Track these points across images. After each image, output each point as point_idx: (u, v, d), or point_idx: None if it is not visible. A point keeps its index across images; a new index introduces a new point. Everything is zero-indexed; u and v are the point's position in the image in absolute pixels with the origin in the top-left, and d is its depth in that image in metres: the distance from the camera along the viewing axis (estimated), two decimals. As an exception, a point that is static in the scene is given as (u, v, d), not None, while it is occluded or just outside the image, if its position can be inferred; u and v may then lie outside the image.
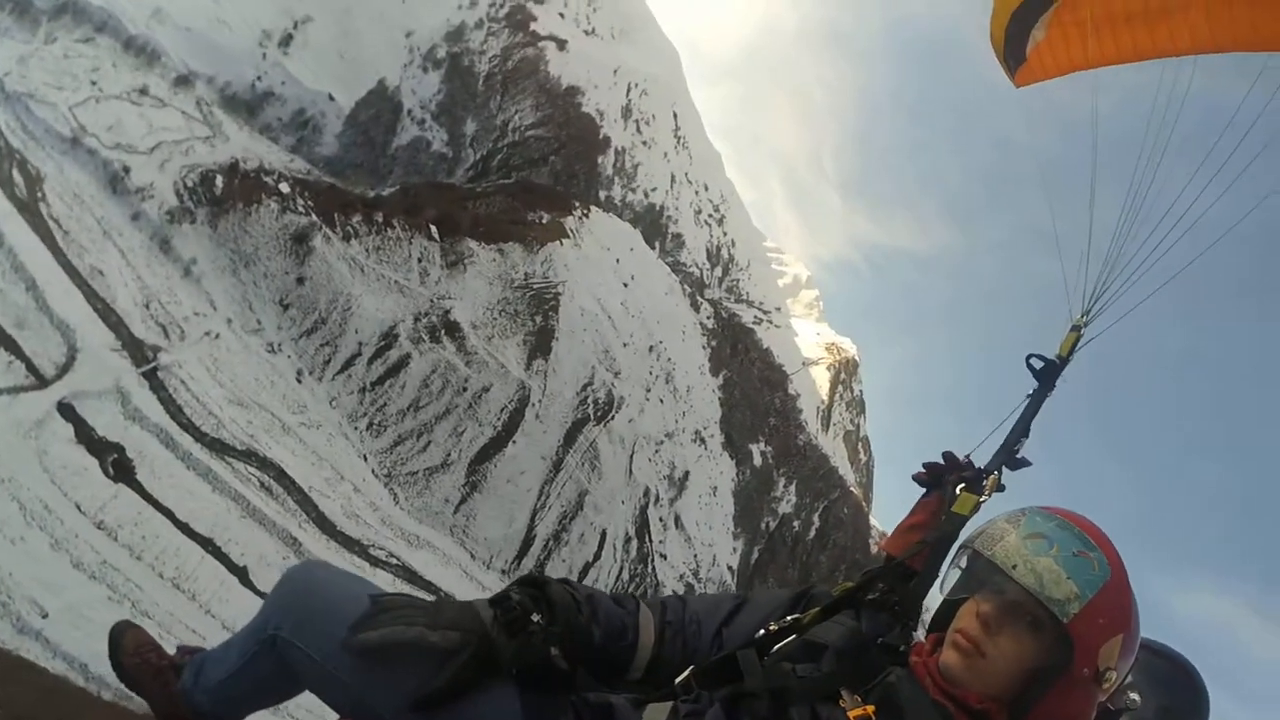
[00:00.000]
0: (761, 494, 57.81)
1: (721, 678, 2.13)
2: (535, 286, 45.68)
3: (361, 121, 48.27)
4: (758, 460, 58.04)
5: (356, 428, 38.37)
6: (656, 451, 50.46)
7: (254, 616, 2.36)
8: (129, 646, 2.73)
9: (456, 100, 53.64)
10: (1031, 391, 3.09)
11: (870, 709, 2.01)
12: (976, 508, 2.61)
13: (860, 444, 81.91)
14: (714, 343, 58.65)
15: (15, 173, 33.38)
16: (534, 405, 43.51)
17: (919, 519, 2.80)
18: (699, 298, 61.18)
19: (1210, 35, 4.32)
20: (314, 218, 38.93)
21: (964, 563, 2.28)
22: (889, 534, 2.95)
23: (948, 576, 2.32)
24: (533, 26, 58.95)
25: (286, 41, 46.45)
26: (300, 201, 39.57)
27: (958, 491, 2.71)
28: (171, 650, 2.77)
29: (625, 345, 49.55)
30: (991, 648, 2.08)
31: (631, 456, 48.39)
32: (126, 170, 36.09)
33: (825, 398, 68.18)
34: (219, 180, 38.23)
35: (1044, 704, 2.06)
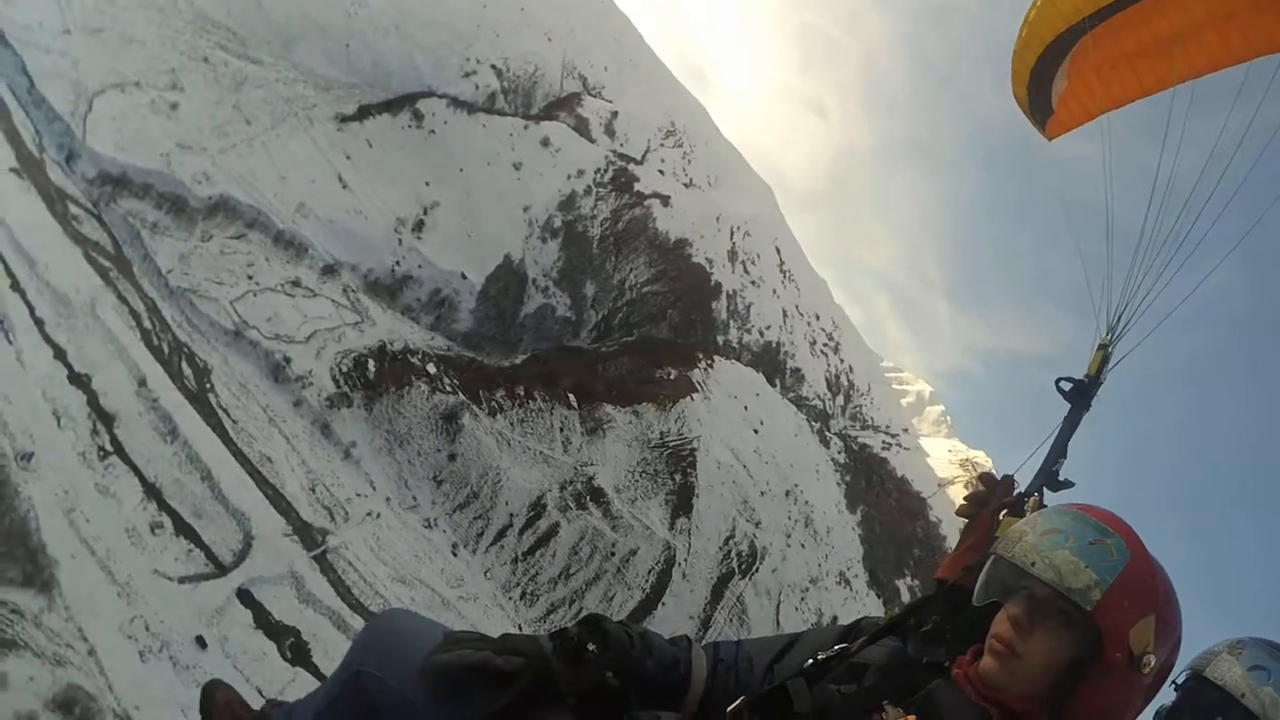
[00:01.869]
0: (914, 637, 55.08)
1: (772, 706, 2.14)
2: (671, 444, 45.72)
3: (492, 296, 50.32)
4: (905, 595, 55.57)
5: (510, 598, 38.20)
6: (803, 599, 48.78)
7: (340, 665, 2.49)
8: (220, 702, 2.88)
9: (575, 265, 55.60)
10: (1066, 414, 3.08)
11: (911, 718, 2.01)
12: None
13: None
14: (848, 477, 57.39)
15: (185, 365, 35.34)
16: (680, 565, 42.83)
17: (971, 541, 2.77)
18: (827, 432, 60.35)
19: (1224, 51, 4.31)
20: (461, 396, 40.12)
21: (992, 571, 2.28)
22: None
23: (980, 588, 2.31)
24: (636, 186, 61.33)
25: (419, 227, 49.23)
26: (447, 380, 40.94)
27: (1000, 517, 2.74)
28: None
29: (763, 494, 48.81)
30: (1024, 648, 2.08)
31: (778, 607, 46.88)
32: (287, 360, 37.99)
33: (966, 522, 65.49)
34: (371, 364, 39.91)
35: (1082, 696, 2.03)
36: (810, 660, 2.33)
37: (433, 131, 53.17)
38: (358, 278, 45.54)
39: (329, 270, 44.27)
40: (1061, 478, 2.99)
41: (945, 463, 69.52)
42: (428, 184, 51.35)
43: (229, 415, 33.86)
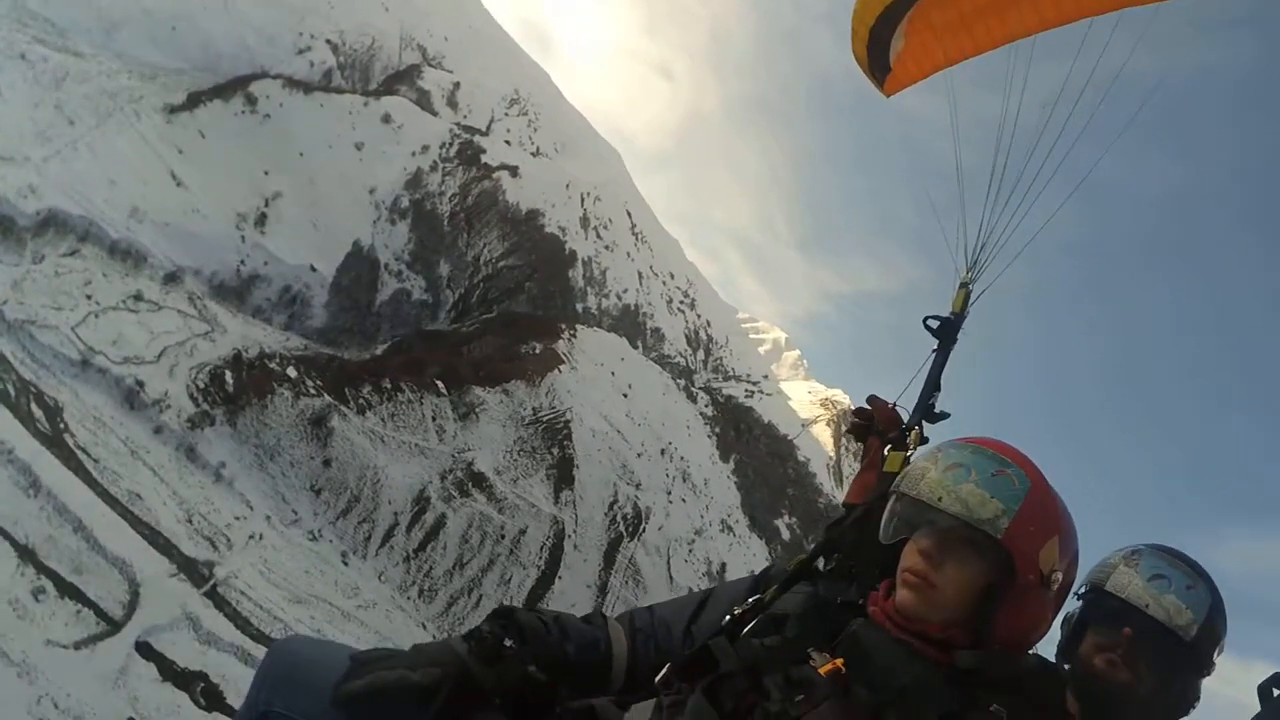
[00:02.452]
0: (792, 570, 58.43)
1: (698, 668, 2.19)
2: (545, 419, 46.21)
3: (345, 286, 48.81)
4: (785, 534, 58.72)
5: (409, 597, 38.18)
6: (690, 551, 50.77)
7: (243, 701, 2.42)
8: None
9: (427, 245, 54.50)
10: (934, 349, 3.25)
11: (839, 661, 2.09)
12: (905, 462, 2.74)
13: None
14: (718, 429, 59.55)
15: (34, 407, 33.04)
16: (570, 536, 43.77)
17: (869, 460, 2.90)
18: (692, 388, 62.20)
19: (1056, 11, 4.52)
20: (327, 397, 39.16)
21: (897, 508, 2.35)
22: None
23: (886, 525, 2.38)
24: (484, 159, 60.36)
25: (261, 221, 46.95)
26: (309, 383, 39.80)
27: (885, 453, 2.85)
28: None
29: (639, 455, 50.14)
30: (939, 577, 2.16)
31: (669, 562, 48.67)
32: (140, 384, 36.03)
33: (832, 453, 69.32)
34: (228, 376, 38.31)
35: (1001, 618, 2.15)
36: (727, 616, 2.37)
37: (268, 115, 50.46)
38: (202, 283, 43.23)
39: (171, 278, 41.84)
40: (938, 410, 3.10)
41: (806, 404, 72.93)
42: (267, 173, 48.89)
43: (89, 455, 32.00)
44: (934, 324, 3.29)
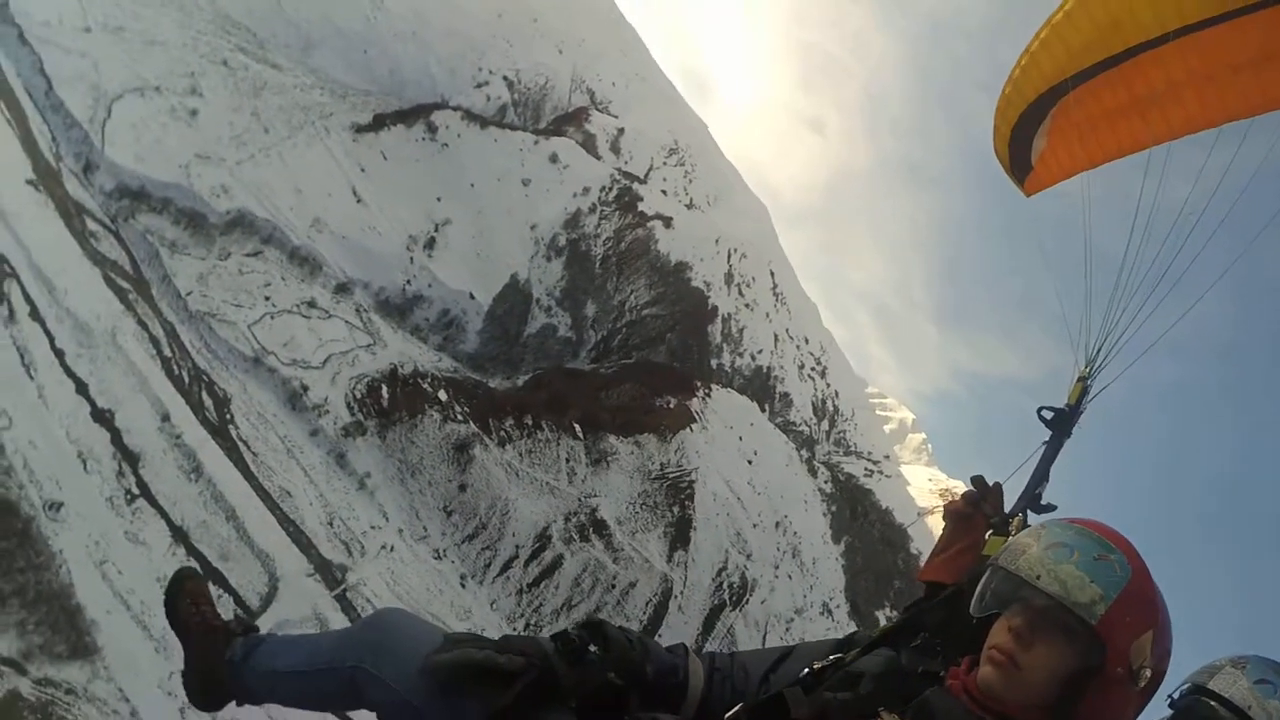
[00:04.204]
0: (889, 666, 56.86)
1: (770, 712, 2.17)
2: (671, 476, 46.61)
3: (499, 316, 50.64)
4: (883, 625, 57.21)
5: (515, 629, 38.85)
6: (788, 629, 50.06)
7: (327, 635, 2.55)
8: (188, 593, 2.85)
9: (577, 285, 56.01)
10: (1047, 440, 3.20)
11: None
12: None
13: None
14: (833, 508, 58.75)
15: (205, 395, 35.39)
16: (676, 597, 43.87)
17: (966, 543, 2.82)
18: (814, 461, 61.60)
19: (1202, 113, 4.39)
20: (473, 426, 40.57)
21: (991, 582, 2.30)
22: (926, 562, 2.98)
23: (978, 598, 2.33)
24: (640, 206, 61.71)
25: (430, 244, 49.31)
26: (458, 409, 41.31)
27: (987, 537, 2.80)
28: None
29: (755, 525, 49.96)
30: (1026, 658, 2.10)
31: (764, 638, 48.10)
32: (304, 387, 38.15)
33: (942, 552, 67.13)
34: (384, 390, 40.16)
35: (1083, 707, 2.07)
36: (806, 670, 2.36)
37: (446, 145, 53.10)
38: (369, 296, 45.61)
39: (342, 289, 44.31)
40: (1044, 501, 3.06)
41: (925, 491, 71.45)
42: (439, 199, 51.36)
43: (249, 448, 34.06)
44: (1048, 415, 3.29)
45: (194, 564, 28.67)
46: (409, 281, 47.69)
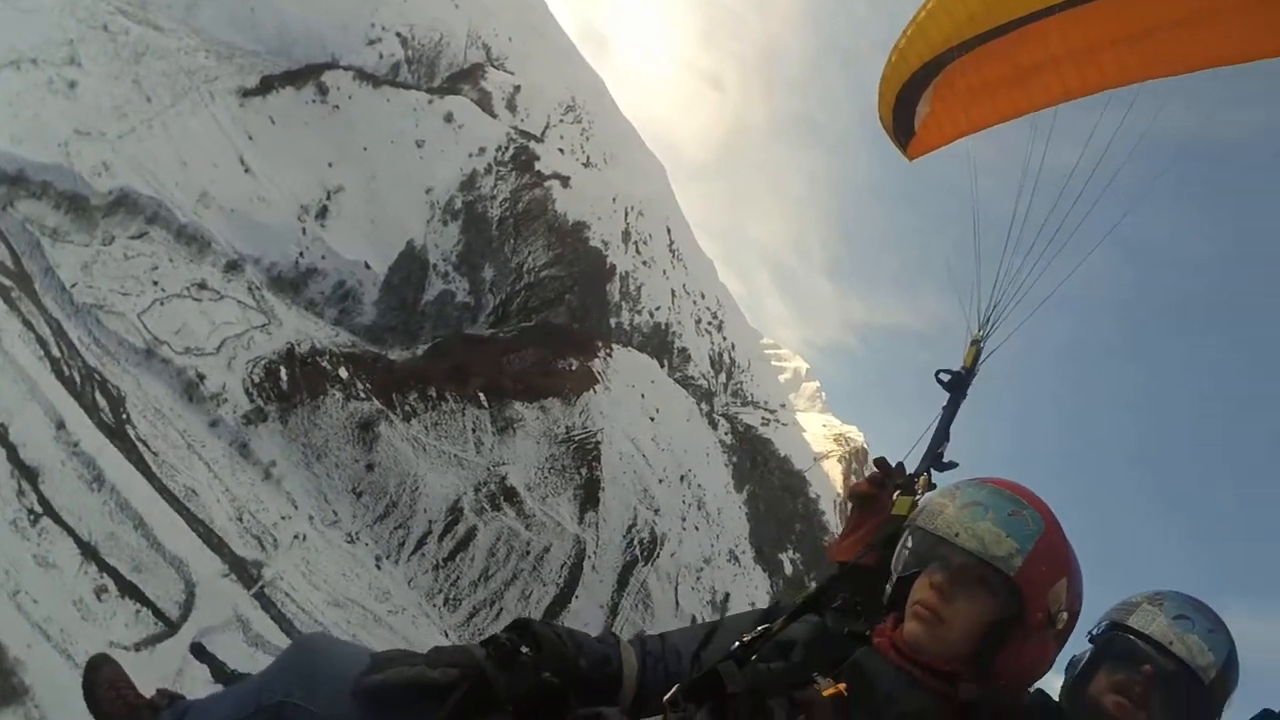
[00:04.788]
0: (792, 603, 59.89)
1: (705, 690, 2.22)
2: (577, 439, 47.50)
3: (395, 285, 49.90)
4: (788, 568, 60.10)
5: (435, 605, 39.59)
6: (698, 579, 52.18)
7: (252, 680, 2.47)
8: (105, 679, 2.75)
9: (474, 248, 55.52)
10: (945, 402, 3.35)
11: (842, 686, 2.13)
12: (913, 506, 2.76)
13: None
14: (734, 458, 60.84)
15: (98, 396, 34.12)
16: (590, 557, 45.18)
17: (870, 524, 2.92)
18: (714, 415, 63.40)
19: (1080, 83, 4.68)
20: (376, 403, 40.39)
21: (910, 542, 2.40)
22: (836, 539, 3.15)
23: (898, 558, 2.42)
24: (537, 165, 61.25)
25: (323, 213, 47.96)
26: (360, 385, 40.99)
27: (895, 497, 2.90)
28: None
29: (661, 481, 51.48)
30: (949, 612, 2.20)
31: (677, 589, 50.09)
32: (201, 376, 37.24)
33: (841, 491, 70.27)
34: (283, 372, 39.48)
35: (1006, 654, 2.20)
36: (736, 643, 2.39)
37: (337, 106, 51.37)
38: (261, 273, 44.32)
39: (233, 266, 42.92)
40: (946, 459, 3.19)
41: (821, 437, 74.14)
42: (331, 165, 49.85)
43: (149, 448, 33.23)
44: (945, 378, 3.44)
45: (107, 580, 28.01)
46: (302, 254, 46.47)
